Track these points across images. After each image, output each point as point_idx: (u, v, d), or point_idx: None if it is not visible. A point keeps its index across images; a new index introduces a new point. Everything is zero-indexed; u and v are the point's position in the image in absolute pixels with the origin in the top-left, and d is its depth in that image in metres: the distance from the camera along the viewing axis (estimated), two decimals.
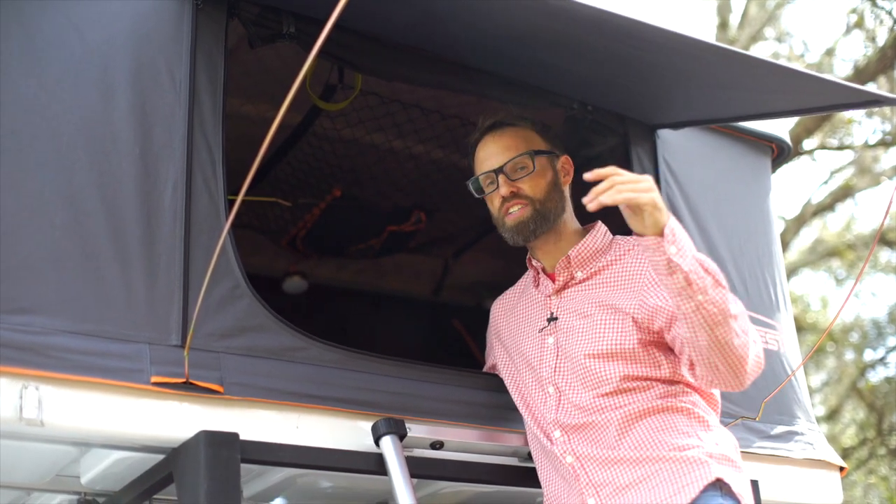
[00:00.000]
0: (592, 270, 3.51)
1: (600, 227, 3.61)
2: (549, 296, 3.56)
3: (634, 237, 3.51)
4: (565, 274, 3.54)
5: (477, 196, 3.65)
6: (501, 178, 3.54)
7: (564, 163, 3.64)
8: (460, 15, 3.54)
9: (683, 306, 3.04)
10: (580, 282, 3.51)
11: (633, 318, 3.35)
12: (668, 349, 3.35)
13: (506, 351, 3.68)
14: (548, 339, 3.50)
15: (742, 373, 3.13)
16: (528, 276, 3.75)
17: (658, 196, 3.00)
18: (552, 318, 3.51)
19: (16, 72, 3.10)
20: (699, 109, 4.27)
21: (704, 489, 3.14)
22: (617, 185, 2.97)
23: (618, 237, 3.59)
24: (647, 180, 3.00)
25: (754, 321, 4.38)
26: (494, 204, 3.58)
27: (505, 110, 3.72)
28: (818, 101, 4.10)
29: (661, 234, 3.00)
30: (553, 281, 3.57)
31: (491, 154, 3.59)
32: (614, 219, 4.03)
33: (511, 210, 3.52)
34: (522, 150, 3.57)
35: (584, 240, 3.54)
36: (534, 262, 3.64)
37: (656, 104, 4.24)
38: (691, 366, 3.23)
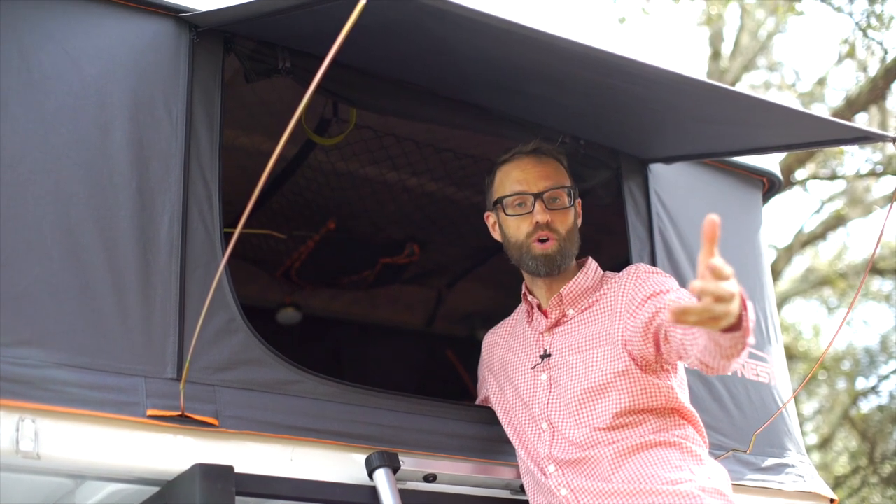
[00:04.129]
0: (583, 308, 3.52)
1: (591, 264, 3.62)
2: (542, 333, 3.58)
3: (625, 272, 3.53)
4: (557, 312, 3.55)
5: (505, 211, 3.55)
6: (539, 204, 3.50)
7: (578, 206, 3.64)
8: (453, 51, 3.57)
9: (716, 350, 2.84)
10: (572, 319, 3.53)
11: (623, 341, 3.36)
12: (660, 373, 3.38)
13: (498, 385, 3.70)
14: (541, 375, 3.51)
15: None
16: (520, 311, 3.76)
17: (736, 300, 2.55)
18: (545, 356, 3.53)
19: (15, 105, 3.13)
20: (691, 144, 4.30)
21: None
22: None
23: (608, 273, 3.61)
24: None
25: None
26: (520, 228, 3.53)
27: (546, 140, 3.72)
28: (809, 136, 4.13)
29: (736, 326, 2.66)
30: (546, 317, 3.59)
31: (531, 177, 3.55)
32: (605, 251, 4.07)
33: (541, 239, 3.50)
34: (561, 182, 3.57)
35: (576, 278, 3.55)
36: (529, 298, 3.65)
37: (648, 139, 4.26)
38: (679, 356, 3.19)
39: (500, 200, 3.57)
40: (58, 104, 3.20)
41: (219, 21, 3.45)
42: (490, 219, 3.68)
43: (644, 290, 3.36)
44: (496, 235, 3.68)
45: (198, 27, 3.46)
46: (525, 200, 3.53)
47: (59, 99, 3.21)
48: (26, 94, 3.17)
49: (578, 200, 3.64)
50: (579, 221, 3.63)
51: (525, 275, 3.65)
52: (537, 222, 3.49)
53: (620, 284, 3.47)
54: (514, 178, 3.57)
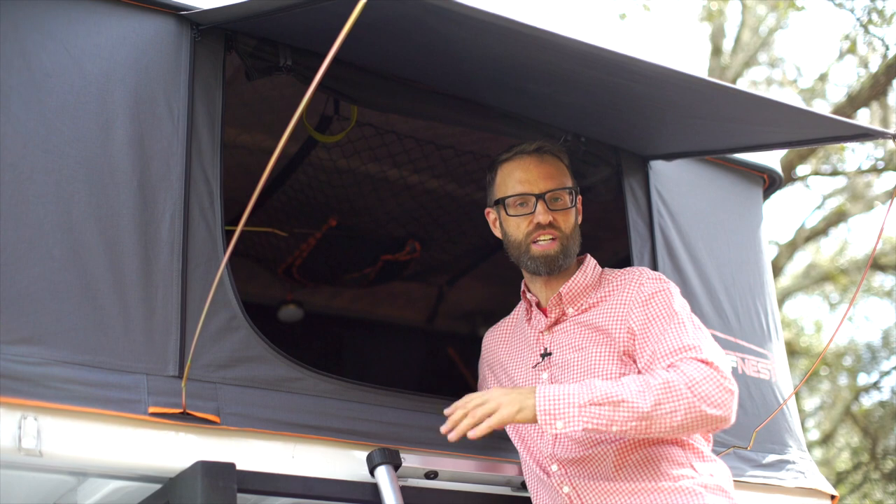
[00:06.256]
0: (583, 307, 3.51)
1: (589, 262, 3.60)
2: (542, 331, 3.57)
3: (624, 270, 3.54)
4: (557, 311, 3.54)
5: (507, 211, 3.55)
6: (541, 204, 3.49)
7: (579, 203, 3.62)
8: (454, 48, 3.57)
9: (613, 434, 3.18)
10: (571, 317, 3.53)
11: (624, 349, 3.37)
12: None
13: (499, 384, 3.68)
14: (542, 374, 3.51)
15: (712, 419, 3.17)
16: (520, 309, 3.76)
17: (507, 400, 3.16)
18: (546, 354, 3.52)
19: (16, 104, 3.13)
20: (691, 141, 4.30)
21: None
22: (470, 412, 3.18)
23: (606, 270, 3.60)
24: (488, 398, 3.19)
25: (746, 350, 4.41)
26: (520, 227, 3.52)
27: (548, 138, 3.70)
28: (809, 133, 4.12)
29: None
30: (546, 316, 3.58)
31: (533, 177, 3.52)
32: (606, 247, 4.08)
33: (541, 239, 3.48)
34: (563, 183, 3.55)
35: (575, 276, 3.54)
36: (528, 296, 3.64)
37: (649, 136, 4.26)
38: None
39: (501, 200, 3.56)
40: (59, 103, 3.20)
41: (220, 19, 3.45)
42: (491, 215, 3.67)
43: (646, 311, 3.40)
44: (496, 232, 3.67)
45: (199, 25, 3.46)
46: (527, 201, 3.51)
47: (61, 97, 3.21)
48: (28, 92, 3.16)
49: (579, 198, 3.64)
50: (580, 219, 3.62)
51: (524, 273, 3.64)
52: (538, 223, 3.48)
53: (624, 292, 3.46)
54: (516, 179, 3.55)
